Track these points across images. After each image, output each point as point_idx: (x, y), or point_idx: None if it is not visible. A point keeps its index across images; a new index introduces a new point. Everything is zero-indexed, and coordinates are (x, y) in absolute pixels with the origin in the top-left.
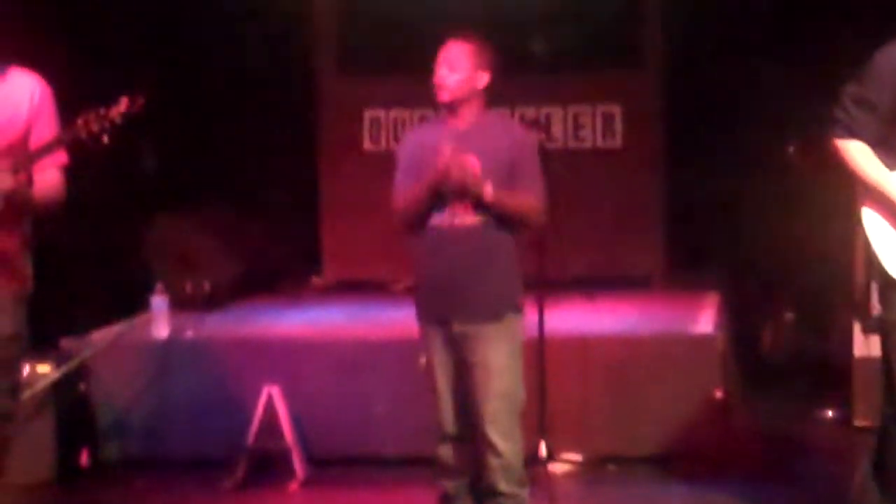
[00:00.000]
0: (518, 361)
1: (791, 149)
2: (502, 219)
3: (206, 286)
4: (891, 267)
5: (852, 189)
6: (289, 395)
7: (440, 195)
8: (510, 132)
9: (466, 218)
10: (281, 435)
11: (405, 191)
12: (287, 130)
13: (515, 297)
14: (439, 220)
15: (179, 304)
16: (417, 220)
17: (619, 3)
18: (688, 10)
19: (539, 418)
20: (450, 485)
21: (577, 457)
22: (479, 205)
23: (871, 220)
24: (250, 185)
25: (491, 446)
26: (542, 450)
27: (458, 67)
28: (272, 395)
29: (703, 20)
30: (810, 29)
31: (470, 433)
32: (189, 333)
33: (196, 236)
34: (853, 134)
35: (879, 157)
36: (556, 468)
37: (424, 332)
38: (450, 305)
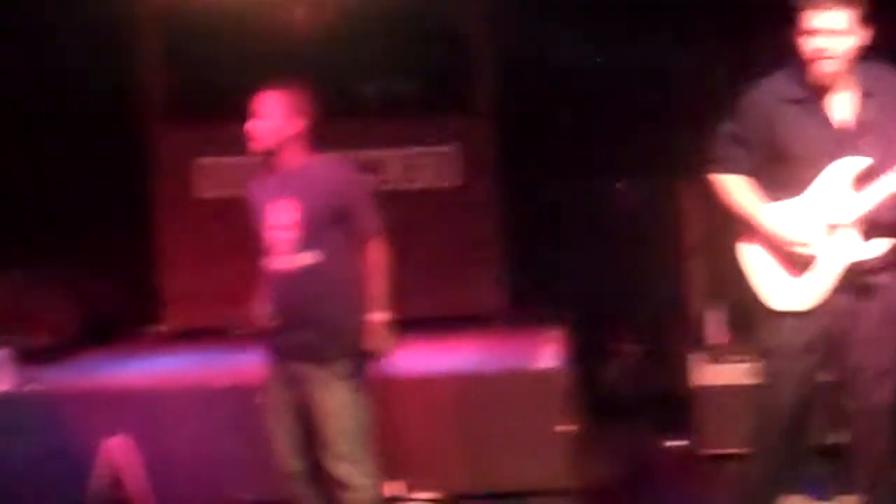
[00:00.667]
0: (356, 400)
1: (620, 185)
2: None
3: (44, 338)
4: (770, 297)
5: (683, 222)
6: (140, 445)
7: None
8: (337, 174)
9: (303, 258)
10: (130, 486)
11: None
12: (120, 179)
13: (354, 340)
14: (279, 263)
15: (20, 356)
16: None
17: (452, 52)
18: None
19: (391, 459)
20: None
21: (434, 495)
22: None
23: (749, 253)
24: (84, 234)
25: (339, 483)
26: (400, 489)
27: (269, 115)
28: (117, 447)
29: (534, 70)
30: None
31: (314, 467)
32: (30, 386)
33: (32, 290)
34: (729, 169)
35: (764, 191)
36: None
37: (270, 370)
38: (290, 346)
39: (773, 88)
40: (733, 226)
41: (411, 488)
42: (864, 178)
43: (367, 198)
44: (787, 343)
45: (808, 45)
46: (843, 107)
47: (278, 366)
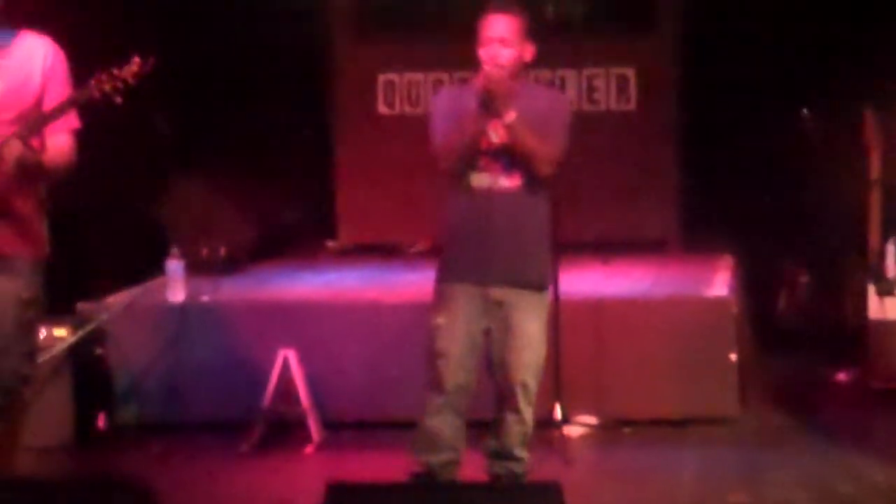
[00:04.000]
0: (545, 334)
1: (805, 112)
2: (519, 156)
3: (222, 250)
4: None
5: (866, 154)
6: (305, 359)
7: (477, 156)
8: (543, 94)
9: (506, 181)
10: (297, 399)
11: (447, 132)
12: (302, 95)
13: (548, 269)
14: (479, 182)
15: (195, 268)
16: (465, 153)
17: None
18: None
19: (554, 381)
20: (435, 460)
21: (592, 420)
22: (512, 162)
23: None
24: (265, 149)
25: (517, 413)
26: (558, 413)
27: (510, 42)
28: (288, 358)
29: None
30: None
31: (465, 406)
32: (205, 297)
33: (212, 200)
34: None
35: None
36: (571, 431)
37: (448, 294)
38: (492, 269)
39: None
40: None
41: (572, 412)
42: None
43: (564, 119)
44: None
45: None
46: None
47: (471, 288)
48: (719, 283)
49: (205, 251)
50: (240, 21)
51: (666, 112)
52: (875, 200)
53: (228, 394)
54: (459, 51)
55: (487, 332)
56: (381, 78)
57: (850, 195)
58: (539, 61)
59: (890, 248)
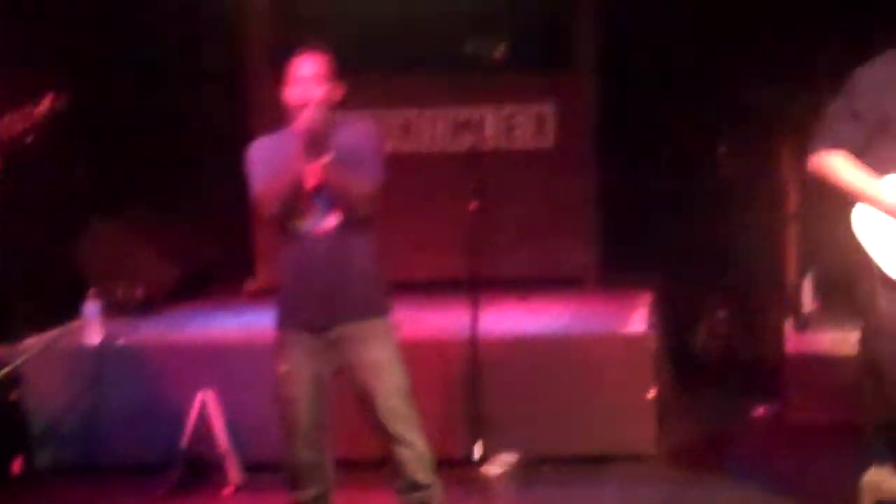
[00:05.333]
0: (399, 357)
1: (722, 149)
2: (337, 196)
3: (139, 291)
4: (888, 265)
5: (782, 190)
6: (223, 401)
7: (298, 200)
8: (355, 130)
9: (327, 222)
10: (215, 440)
11: (266, 179)
12: (221, 132)
13: (383, 296)
14: (301, 225)
15: (113, 309)
16: (285, 198)
17: (550, 4)
18: (622, 10)
19: (473, 420)
20: (304, 496)
21: (511, 458)
22: (331, 203)
23: (864, 222)
24: (183, 188)
25: (401, 440)
26: (477, 451)
27: (319, 82)
28: (206, 400)
29: (637, 21)
30: (745, 33)
31: (324, 441)
32: (122, 339)
33: (129, 241)
34: (837, 145)
35: (870, 166)
36: (491, 469)
37: (288, 340)
38: (326, 311)
39: (885, 65)
40: (830, 195)
41: (494, 449)
42: None
43: (376, 150)
44: None
45: None
46: None
47: (307, 333)
48: (637, 319)
49: (120, 292)
50: (154, 57)
51: (584, 149)
52: (792, 235)
53: (146, 436)
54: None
55: (342, 371)
56: None
57: (767, 230)
58: (457, 99)
59: (806, 282)
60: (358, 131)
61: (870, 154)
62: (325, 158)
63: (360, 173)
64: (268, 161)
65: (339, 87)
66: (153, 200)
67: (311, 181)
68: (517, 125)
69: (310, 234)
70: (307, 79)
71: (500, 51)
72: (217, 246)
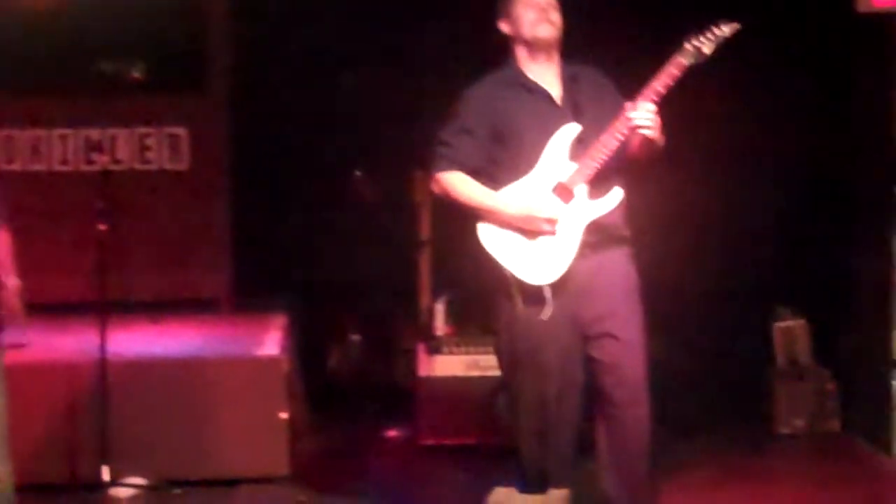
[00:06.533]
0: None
1: (358, 174)
2: None
3: None
4: (521, 271)
5: (416, 215)
6: None
7: None
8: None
9: None
10: None
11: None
12: None
13: None
14: None
15: None
16: None
17: (185, 28)
18: (255, 37)
19: (101, 442)
20: None
21: (141, 481)
22: None
23: (491, 235)
24: None
25: None
26: (105, 474)
27: None
28: None
29: (271, 48)
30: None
31: None
32: None
33: None
34: (454, 165)
35: (490, 180)
36: (120, 493)
37: None
38: None
39: (488, 84)
40: (458, 219)
41: (120, 474)
42: (579, 145)
43: None
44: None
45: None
46: (553, 87)
47: None
48: (271, 342)
49: None
50: None
51: (218, 172)
52: (425, 260)
53: None
54: None
55: None
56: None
57: (401, 254)
58: (89, 120)
59: (439, 306)
60: None
61: (494, 167)
62: None
63: None
64: None
65: None
66: None
67: None
68: (151, 146)
69: None
70: None
71: (135, 72)
72: None
